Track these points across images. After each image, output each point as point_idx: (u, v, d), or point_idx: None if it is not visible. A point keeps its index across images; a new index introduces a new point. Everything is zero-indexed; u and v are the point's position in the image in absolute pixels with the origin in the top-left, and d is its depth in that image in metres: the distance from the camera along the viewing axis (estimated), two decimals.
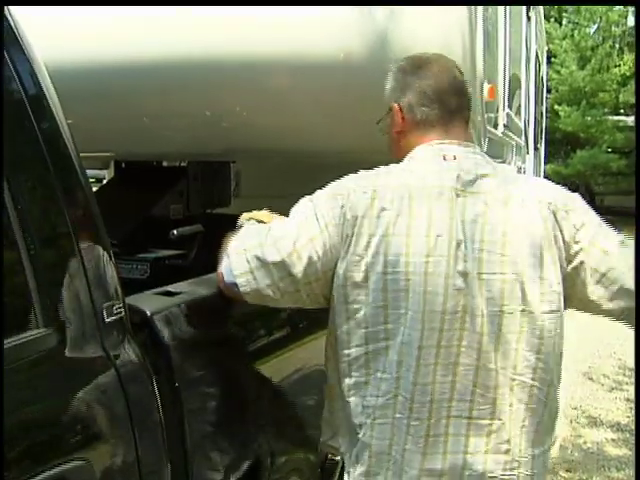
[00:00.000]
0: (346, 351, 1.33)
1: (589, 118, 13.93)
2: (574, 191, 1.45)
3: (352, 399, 1.33)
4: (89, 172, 1.49)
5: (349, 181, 1.39)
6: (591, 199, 12.59)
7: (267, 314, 1.61)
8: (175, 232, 2.33)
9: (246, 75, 2.07)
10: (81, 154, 1.25)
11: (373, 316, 1.29)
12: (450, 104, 1.43)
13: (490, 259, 1.29)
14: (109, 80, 2.25)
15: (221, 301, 1.47)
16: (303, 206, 1.39)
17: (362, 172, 1.41)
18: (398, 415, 1.29)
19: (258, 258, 1.34)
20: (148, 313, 1.32)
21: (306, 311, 1.49)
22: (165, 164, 3.21)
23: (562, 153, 14.85)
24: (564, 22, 15.47)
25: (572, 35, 14.57)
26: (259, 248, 1.34)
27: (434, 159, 1.38)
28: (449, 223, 1.29)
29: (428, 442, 1.28)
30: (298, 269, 1.32)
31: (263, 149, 2.50)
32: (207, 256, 2.50)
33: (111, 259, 1.25)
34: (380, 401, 1.30)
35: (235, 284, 1.36)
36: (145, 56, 2.13)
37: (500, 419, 1.29)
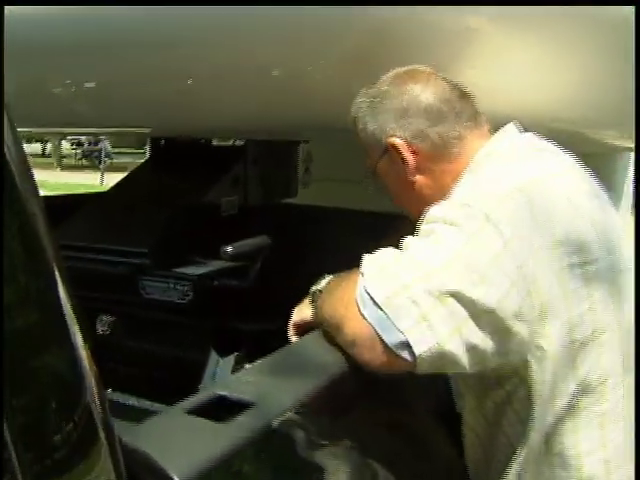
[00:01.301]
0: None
1: None
2: None
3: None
4: None
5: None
6: None
7: None
8: (229, 250, 1.62)
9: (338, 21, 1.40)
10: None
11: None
12: (465, 109, 1.18)
13: None
14: (137, 26, 1.63)
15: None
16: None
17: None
18: None
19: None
20: None
21: None
22: (215, 142, 2.51)
23: None
24: None
25: None
26: (435, 279, 0.96)
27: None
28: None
29: None
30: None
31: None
32: (274, 275, 1.83)
33: None
34: None
35: (404, 346, 0.95)
36: None
37: None
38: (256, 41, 1.57)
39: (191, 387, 1.79)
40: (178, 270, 1.86)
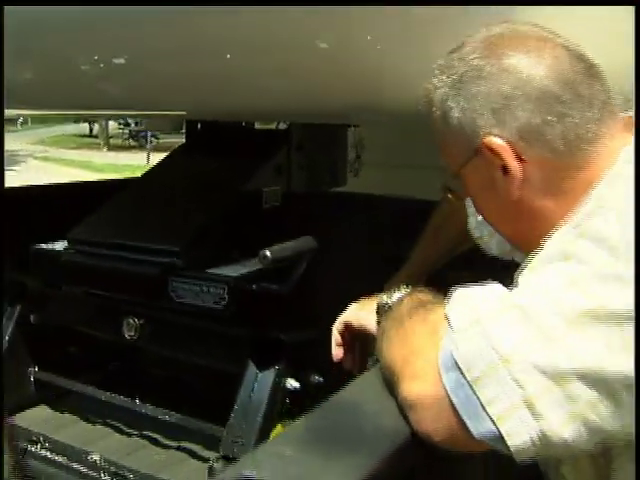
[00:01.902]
0: None
1: None
2: None
3: None
4: None
5: None
6: None
7: None
8: (268, 254, 1.39)
9: None
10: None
11: None
12: (597, 94, 0.81)
13: None
14: None
15: None
16: None
17: None
18: None
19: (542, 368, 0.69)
20: None
21: None
22: (257, 126, 2.29)
23: None
24: None
25: None
26: (555, 351, 0.69)
27: None
28: None
29: None
30: None
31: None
32: (320, 278, 1.61)
33: None
34: None
35: (494, 437, 0.71)
36: None
37: None
38: (299, 8, 1.35)
39: (225, 404, 1.60)
40: (212, 271, 1.66)
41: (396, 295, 0.98)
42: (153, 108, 1.98)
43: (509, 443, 0.71)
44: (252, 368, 1.58)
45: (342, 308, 1.75)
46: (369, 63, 1.38)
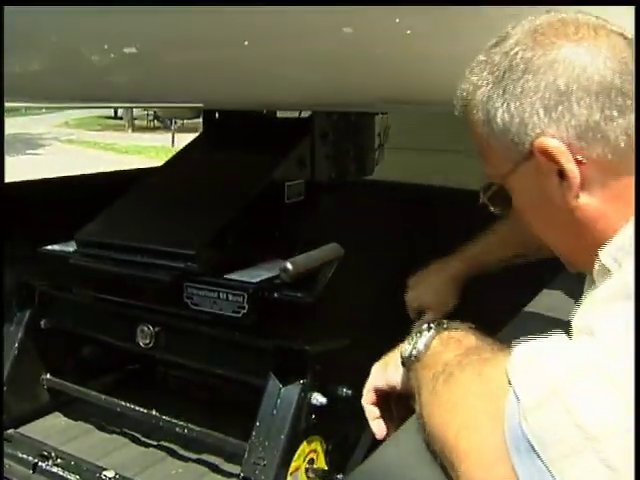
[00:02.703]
0: None
1: None
2: None
3: None
4: None
5: None
6: None
7: None
8: (289, 267, 1.27)
9: None
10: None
11: None
12: None
13: None
14: None
15: None
16: None
17: None
18: None
19: None
20: None
21: None
22: (279, 115, 2.15)
23: None
24: None
25: None
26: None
27: None
28: None
29: None
30: None
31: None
32: (346, 285, 1.47)
33: None
34: None
35: None
36: None
37: None
38: None
39: (246, 419, 1.48)
40: (231, 277, 1.53)
41: (422, 341, 0.81)
42: (166, 100, 1.86)
43: None
44: (275, 382, 1.47)
45: (371, 316, 1.63)
46: (398, 49, 1.24)
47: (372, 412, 0.95)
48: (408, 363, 0.82)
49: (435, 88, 1.34)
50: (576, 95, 0.71)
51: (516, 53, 0.74)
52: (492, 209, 0.84)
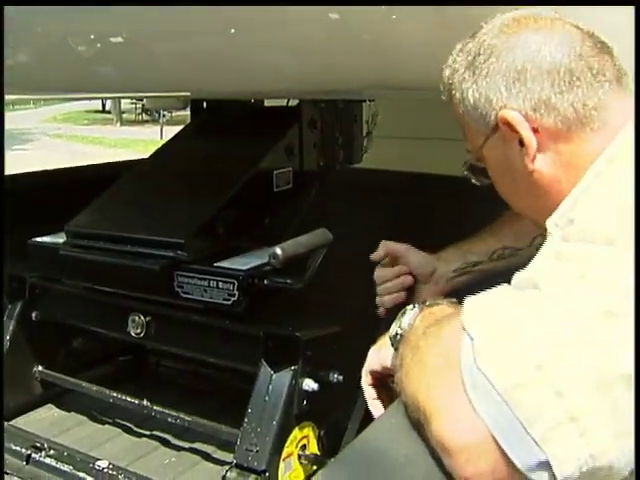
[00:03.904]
0: None
1: None
2: None
3: None
4: None
5: None
6: None
7: None
8: (279, 253, 1.28)
9: None
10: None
11: None
12: (606, 67, 0.83)
13: None
14: None
15: None
16: None
17: None
18: None
19: None
20: None
21: None
22: (267, 103, 2.16)
23: None
24: None
25: None
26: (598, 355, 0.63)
27: None
28: None
29: None
30: None
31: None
32: (337, 270, 1.48)
33: None
34: None
35: (542, 466, 0.62)
36: None
37: None
38: None
39: (238, 406, 1.49)
40: (221, 265, 1.54)
41: (406, 319, 0.88)
42: (153, 90, 1.85)
43: (557, 473, 0.62)
44: (266, 369, 1.47)
45: (362, 301, 1.63)
46: (385, 36, 1.24)
47: (370, 393, 1.01)
48: (395, 343, 0.85)
49: (420, 73, 1.35)
50: (530, 73, 0.82)
51: (484, 41, 0.87)
52: (473, 180, 0.97)
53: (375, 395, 1.01)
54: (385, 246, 1.35)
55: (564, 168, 0.84)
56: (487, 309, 0.71)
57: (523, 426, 0.62)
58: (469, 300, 0.73)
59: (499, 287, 0.73)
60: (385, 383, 0.99)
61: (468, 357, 0.67)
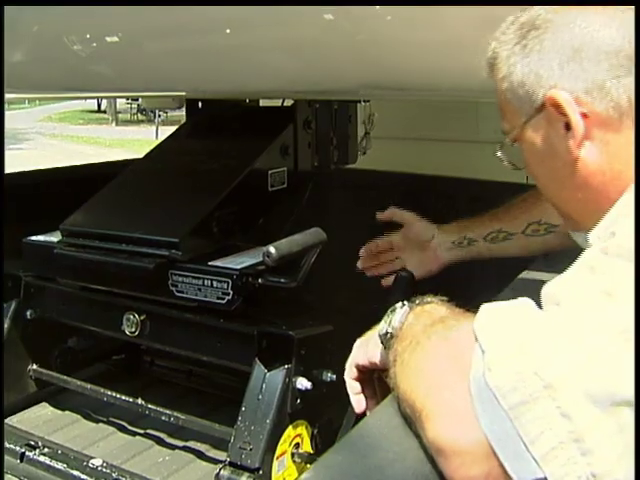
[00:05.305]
0: None
1: None
2: None
3: None
4: None
5: None
6: None
7: None
8: (272, 252, 1.28)
9: None
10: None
11: None
12: None
13: None
14: None
15: None
16: None
17: None
18: None
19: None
20: None
21: None
22: (262, 103, 2.16)
23: None
24: None
25: None
26: (607, 377, 0.60)
27: None
28: None
29: None
30: None
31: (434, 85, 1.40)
32: (331, 270, 1.48)
33: None
34: None
35: None
36: None
37: None
38: None
39: (232, 405, 1.49)
40: (215, 264, 1.54)
41: (396, 317, 0.85)
42: (148, 89, 1.86)
43: None
44: (260, 367, 1.47)
45: (355, 300, 1.64)
46: (378, 35, 1.25)
47: (353, 387, 0.98)
48: (385, 341, 0.85)
49: (415, 74, 1.36)
50: (587, 53, 0.77)
51: (539, 14, 0.81)
52: (505, 163, 0.90)
53: (359, 389, 0.98)
54: (392, 211, 1.53)
55: (610, 160, 0.78)
56: (502, 323, 0.68)
57: (524, 443, 0.61)
58: (485, 308, 0.70)
59: (519, 300, 0.70)
60: (369, 378, 0.97)
61: (478, 370, 0.64)
